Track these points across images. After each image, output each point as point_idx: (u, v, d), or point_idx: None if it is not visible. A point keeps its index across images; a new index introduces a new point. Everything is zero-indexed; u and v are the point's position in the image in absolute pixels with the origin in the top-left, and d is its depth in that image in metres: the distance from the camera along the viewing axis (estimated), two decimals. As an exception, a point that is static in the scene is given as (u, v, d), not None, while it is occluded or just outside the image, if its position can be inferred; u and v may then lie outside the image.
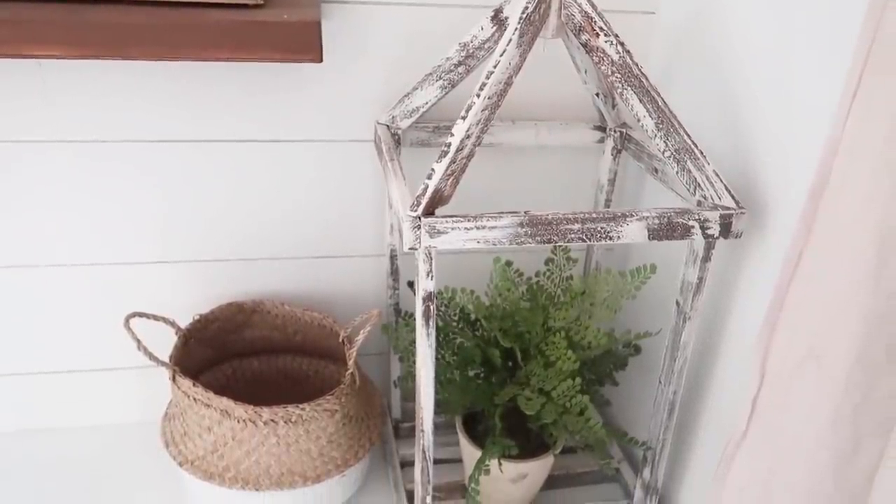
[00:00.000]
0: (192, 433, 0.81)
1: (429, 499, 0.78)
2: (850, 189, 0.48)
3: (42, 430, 1.00)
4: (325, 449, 0.81)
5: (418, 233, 0.62)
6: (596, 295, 0.82)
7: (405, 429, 1.00)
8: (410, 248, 0.63)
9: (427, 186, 0.62)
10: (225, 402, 0.78)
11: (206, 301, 0.94)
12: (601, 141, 0.91)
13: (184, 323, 0.89)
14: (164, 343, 0.86)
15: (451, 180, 0.63)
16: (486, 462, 0.77)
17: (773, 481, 0.58)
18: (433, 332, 0.68)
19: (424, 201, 0.62)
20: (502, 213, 0.63)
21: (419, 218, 0.62)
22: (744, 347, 0.75)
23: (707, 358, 0.81)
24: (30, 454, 0.96)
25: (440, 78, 0.78)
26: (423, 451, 0.75)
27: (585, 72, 0.82)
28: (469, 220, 0.62)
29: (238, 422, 0.78)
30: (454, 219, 0.62)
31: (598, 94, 0.85)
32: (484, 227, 0.62)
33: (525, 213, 0.63)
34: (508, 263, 0.84)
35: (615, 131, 0.89)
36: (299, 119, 0.87)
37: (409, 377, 0.89)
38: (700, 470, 0.84)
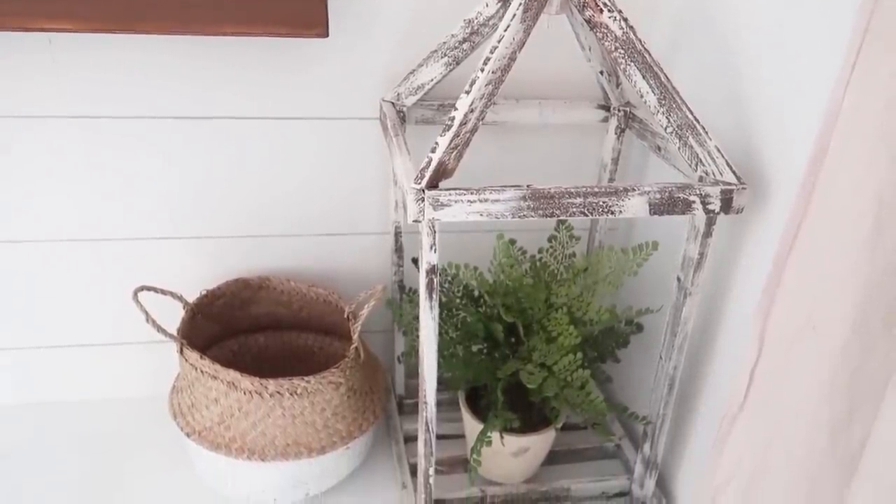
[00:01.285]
0: (199, 405, 0.82)
1: (431, 471, 0.79)
2: (849, 160, 0.48)
3: (51, 404, 1.02)
4: (329, 421, 0.82)
5: (422, 205, 0.63)
6: (598, 272, 0.82)
7: (409, 405, 1.02)
8: (414, 221, 0.64)
9: (431, 160, 0.63)
10: (232, 374, 0.79)
11: (213, 277, 0.95)
12: (605, 120, 0.91)
13: (191, 298, 0.91)
14: (173, 318, 0.87)
15: (454, 154, 0.64)
16: (488, 434, 0.79)
17: (771, 449, 0.59)
18: (436, 304, 0.69)
19: (428, 174, 0.63)
20: (505, 186, 0.64)
21: (423, 190, 0.62)
22: (744, 323, 0.75)
23: (707, 334, 0.82)
24: (39, 427, 0.98)
25: (445, 55, 0.79)
26: (427, 424, 0.76)
27: (589, 49, 0.83)
28: (472, 193, 0.63)
29: (244, 393, 0.79)
30: (457, 191, 0.63)
31: (602, 73, 0.85)
32: (487, 200, 0.63)
33: (527, 186, 0.64)
34: (512, 241, 0.84)
35: (619, 110, 0.89)
36: (305, 97, 0.88)
37: (412, 352, 0.91)
38: (700, 445, 0.85)
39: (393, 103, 0.85)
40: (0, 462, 0.92)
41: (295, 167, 0.92)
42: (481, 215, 0.64)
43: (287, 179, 0.93)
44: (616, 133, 0.91)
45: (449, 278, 0.85)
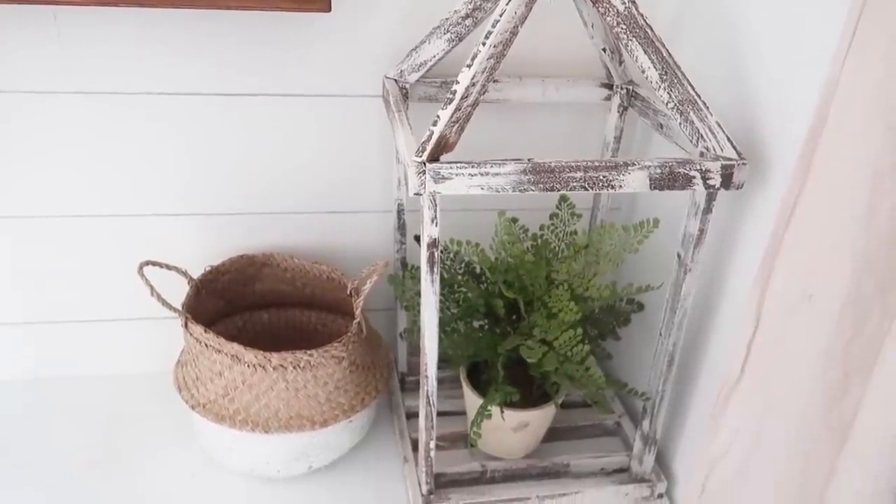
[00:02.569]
0: (203, 378, 0.83)
1: (432, 444, 0.81)
2: (846, 131, 0.48)
3: (59, 378, 1.03)
4: (332, 395, 0.83)
5: (423, 178, 0.63)
6: (600, 248, 0.83)
7: (411, 382, 1.03)
8: (415, 194, 0.64)
9: (432, 133, 0.63)
10: (236, 348, 0.80)
11: (217, 254, 0.96)
12: (608, 98, 0.91)
13: (196, 275, 0.92)
14: (178, 294, 0.88)
15: (455, 127, 0.64)
16: (488, 407, 0.80)
17: (766, 421, 0.59)
18: (437, 277, 0.70)
19: (429, 147, 0.63)
20: (506, 160, 0.64)
21: (424, 163, 0.63)
22: (743, 300, 0.76)
23: (707, 311, 0.82)
24: (47, 401, 1.00)
25: (447, 31, 0.79)
26: (427, 397, 0.77)
27: (592, 26, 0.83)
28: (473, 167, 0.63)
29: (248, 367, 0.80)
30: (458, 165, 0.63)
31: (604, 50, 0.85)
32: (487, 174, 0.64)
33: (528, 160, 0.64)
34: (514, 220, 0.85)
35: (622, 88, 0.89)
36: (308, 74, 0.88)
37: (414, 329, 0.92)
38: (699, 422, 0.86)
39: (396, 80, 0.85)
40: (9, 434, 0.94)
41: (298, 145, 0.93)
42: (482, 188, 0.64)
43: (290, 157, 0.94)
44: (619, 111, 0.91)
45: (451, 255, 0.86)
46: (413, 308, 0.91)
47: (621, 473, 0.91)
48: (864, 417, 0.47)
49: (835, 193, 0.50)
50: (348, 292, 0.92)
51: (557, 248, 0.87)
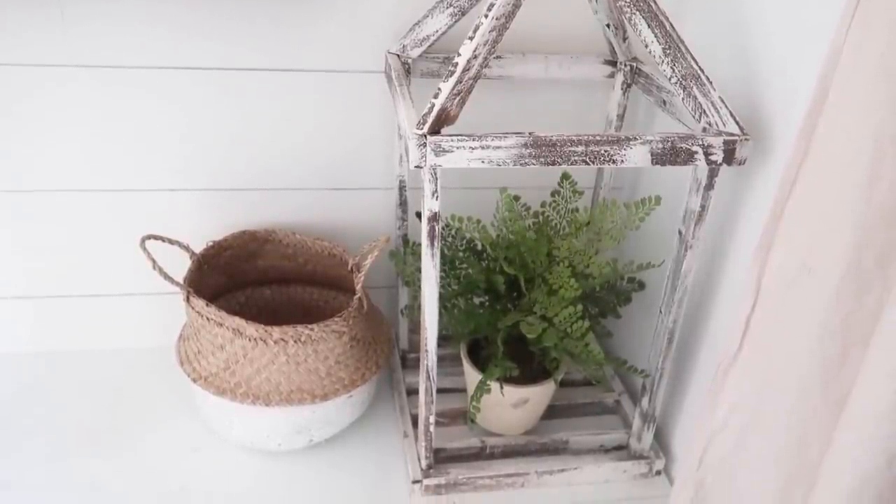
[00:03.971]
0: (205, 351, 0.84)
1: (432, 419, 0.81)
2: (848, 101, 0.48)
3: (63, 353, 1.04)
4: (332, 369, 0.84)
5: (424, 151, 0.63)
6: (601, 226, 0.83)
7: (412, 359, 1.03)
8: (416, 167, 0.64)
9: (433, 105, 0.63)
10: (237, 321, 0.80)
11: (220, 230, 0.96)
12: (611, 75, 0.91)
13: (198, 251, 0.92)
14: (181, 270, 0.88)
15: (457, 100, 0.64)
16: (488, 382, 0.80)
17: (765, 395, 0.59)
18: (438, 251, 0.70)
19: (430, 119, 0.63)
20: (507, 133, 0.64)
21: (425, 136, 0.63)
22: (744, 277, 0.76)
23: (708, 288, 0.82)
24: (51, 374, 1.00)
25: (450, 5, 0.78)
26: (427, 372, 0.77)
27: (596, 1, 0.82)
28: (474, 140, 0.63)
29: (249, 340, 0.81)
30: (459, 137, 0.63)
31: (608, 26, 0.85)
32: (489, 147, 0.64)
33: (529, 133, 0.64)
34: (516, 197, 0.85)
35: (625, 65, 0.89)
36: (311, 49, 0.88)
37: (415, 305, 0.92)
38: (698, 399, 0.86)
39: (398, 55, 0.85)
40: (12, 406, 0.95)
41: (300, 121, 0.93)
42: (483, 162, 0.64)
43: (292, 133, 0.93)
44: (622, 88, 0.90)
45: (452, 232, 0.86)
46: (413, 284, 0.91)
47: (620, 450, 0.92)
48: (863, 389, 0.47)
49: (836, 165, 0.50)
50: (349, 268, 0.92)
51: (559, 226, 0.87)
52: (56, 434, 0.91)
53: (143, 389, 0.98)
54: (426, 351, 0.76)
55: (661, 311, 0.80)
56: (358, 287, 0.86)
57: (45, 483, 0.85)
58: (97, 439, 0.91)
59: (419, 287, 0.76)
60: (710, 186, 0.70)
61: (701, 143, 0.67)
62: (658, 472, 0.90)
